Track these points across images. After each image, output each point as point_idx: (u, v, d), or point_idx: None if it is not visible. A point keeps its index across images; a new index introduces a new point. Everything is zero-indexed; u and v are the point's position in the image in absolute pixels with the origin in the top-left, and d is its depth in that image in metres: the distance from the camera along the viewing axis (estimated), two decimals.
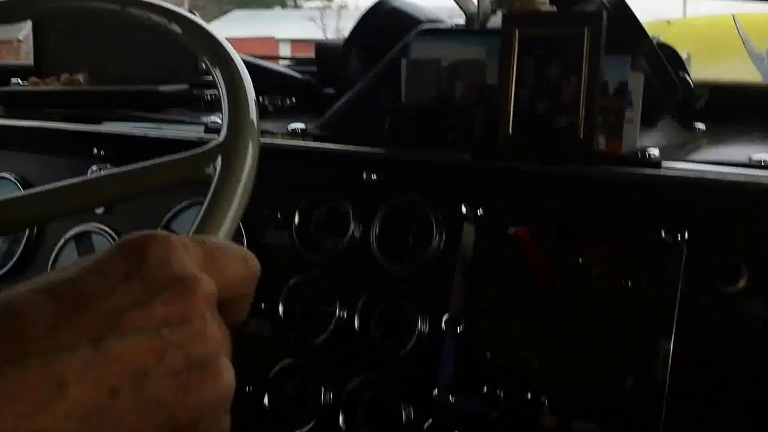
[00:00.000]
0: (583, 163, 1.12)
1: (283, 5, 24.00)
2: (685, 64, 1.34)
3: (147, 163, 0.84)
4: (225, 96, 0.84)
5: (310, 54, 1.67)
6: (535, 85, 1.15)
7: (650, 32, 1.27)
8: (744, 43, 2.70)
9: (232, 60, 0.87)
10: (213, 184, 0.75)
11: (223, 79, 0.85)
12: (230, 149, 0.79)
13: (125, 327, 0.44)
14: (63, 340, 0.42)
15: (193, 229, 0.71)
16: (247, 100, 0.84)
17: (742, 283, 0.97)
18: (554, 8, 1.30)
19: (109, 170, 0.85)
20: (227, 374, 0.48)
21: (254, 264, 0.54)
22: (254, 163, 0.79)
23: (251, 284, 0.54)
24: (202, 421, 0.47)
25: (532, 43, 1.16)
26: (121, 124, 1.47)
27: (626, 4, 1.23)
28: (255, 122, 0.82)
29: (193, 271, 0.47)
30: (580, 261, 1.07)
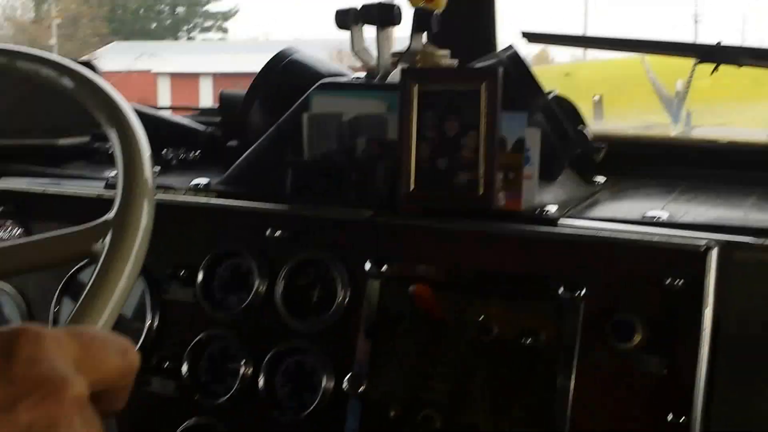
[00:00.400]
0: (484, 219, 1.13)
1: (176, 37, 23.67)
2: (597, 106, 1.37)
3: (35, 238, 0.81)
4: (120, 161, 0.81)
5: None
6: (435, 141, 1.16)
7: (559, 76, 1.29)
8: (653, 86, 2.78)
9: (126, 120, 0.83)
10: (97, 266, 0.73)
11: (118, 141, 0.82)
12: (121, 225, 0.76)
13: None
14: None
15: (71, 315, 0.69)
16: (142, 164, 0.81)
17: (636, 340, 0.99)
18: (455, 62, 1.32)
19: None
20: None
21: (133, 356, 0.52)
22: (146, 237, 0.77)
23: (129, 376, 0.52)
24: None
25: (432, 98, 1.17)
26: (20, 179, 1.43)
27: (523, 60, 1.25)
28: (150, 185, 0.79)
29: (64, 371, 0.45)
30: (482, 318, 1.08)
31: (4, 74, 0.95)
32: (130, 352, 0.52)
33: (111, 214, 0.77)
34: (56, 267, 1.21)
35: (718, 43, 1.35)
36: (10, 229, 1.42)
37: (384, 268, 1.15)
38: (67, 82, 0.88)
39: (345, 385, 1.11)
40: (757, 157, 1.37)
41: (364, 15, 1.26)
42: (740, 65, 1.33)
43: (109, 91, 0.86)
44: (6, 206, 1.42)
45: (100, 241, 0.76)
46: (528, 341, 1.05)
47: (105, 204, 1.30)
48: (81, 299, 0.70)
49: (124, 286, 0.72)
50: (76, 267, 1.34)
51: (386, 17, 1.25)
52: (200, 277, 1.27)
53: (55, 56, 0.91)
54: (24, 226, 1.42)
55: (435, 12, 1.29)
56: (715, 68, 1.34)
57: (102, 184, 1.37)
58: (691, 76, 2.26)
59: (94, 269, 0.73)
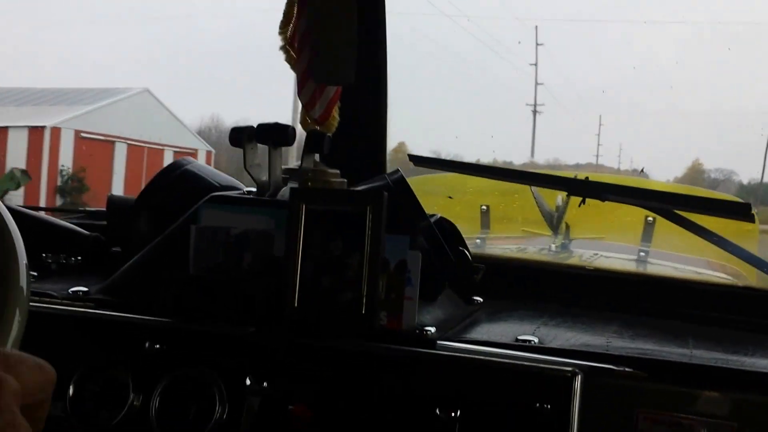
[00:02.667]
0: (365, 338, 1.15)
1: None
2: (485, 216, 1.43)
3: None
4: None
5: None
6: (320, 259, 1.19)
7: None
8: (536, 200, 2.91)
9: (9, 237, 0.82)
10: None
11: None
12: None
13: None
14: None
15: None
16: (17, 272, 0.79)
17: None
18: (345, 182, 1.36)
19: None
20: None
21: (50, 370, 0.56)
22: (16, 348, 0.75)
23: (49, 389, 0.56)
24: None
25: (319, 218, 1.20)
26: None
27: (407, 184, 1.31)
28: (25, 295, 0.78)
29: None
30: None
31: None
32: (46, 366, 0.56)
33: None
34: None
35: (586, 178, 1.45)
36: None
37: (264, 384, 1.15)
38: None
39: None
40: (620, 285, 1.46)
41: (259, 135, 1.29)
42: (603, 200, 1.44)
43: None
44: None
45: None
46: None
47: None
48: None
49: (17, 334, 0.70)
50: None
51: (280, 138, 1.29)
52: (71, 390, 1.23)
53: None
54: None
55: (327, 135, 1.34)
56: (582, 201, 1.45)
57: None
58: (567, 200, 2.40)
59: None
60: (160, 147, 17.16)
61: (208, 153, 17.31)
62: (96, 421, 1.22)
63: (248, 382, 1.15)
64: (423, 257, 1.19)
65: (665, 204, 1.47)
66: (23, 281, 0.78)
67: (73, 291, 1.30)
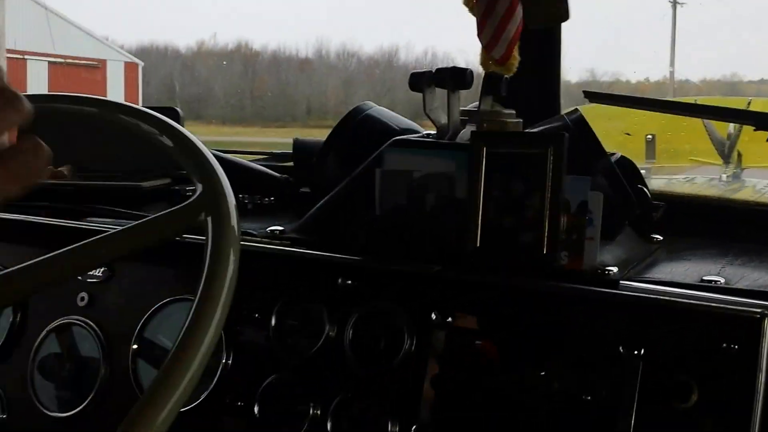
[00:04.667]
0: (547, 278, 1.18)
1: None
2: (650, 145, 1.42)
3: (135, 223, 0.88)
4: (210, 231, 0.85)
5: None
6: (501, 200, 1.22)
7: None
8: (705, 127, 2.81)
9: (211, 169, 0.89)
10: (191, 309, 0.78)
11: (205, 189, 0.87)
12: (211, 273, 0.81)
13: None
14: None
15: (171, 353, 0.75)
16: (228, 213, 0.86)
17: (693, 400, 1.04)
18: (520, 122, 1.38)
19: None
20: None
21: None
22: (233, 284, 0.80)
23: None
24: None
25: (499, 160, 1.23)
26: (105, 220, 1.52)
27: (586, 124, 1.31)
28: (236, 233, 0.84)
29: None
30: (543, 373, 1.13)
31: (108, 126, 1.03)
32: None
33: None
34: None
35: None
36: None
37: (449, 319, 1.21)
38: (146, 128, 0.96)
39: None
40: None
41: (437, 79, 1.34)
42: None
43: (193, 140, 0.93)
44: None
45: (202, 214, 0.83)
46: (588, 398, 1.10)
47: (186, 247, 1.39)
48: (174, 347, 0.76)
49: (214, 332, 0.77)
50: (154, 308, 1.42)
51: (458, 81, 1.32)
52: (273, 320, 1.34)
53: (150, 111, 0.99)
54: (107, 265, 1.51)
55: (504, 76, 1.36)
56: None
57: None
58: (741, 127, 2.30)
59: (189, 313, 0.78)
60: (20, 56, 13.03)
61: (130, 65, 14.35)
62: (296, 349, 1.33)
63: (434, 317, 1.21)
64: (603, 196, 1.21)
65: None
66: (234, 221, 0.85)
67: (270, 230, 1.41)
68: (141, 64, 13.93)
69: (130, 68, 14.04)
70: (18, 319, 1.53)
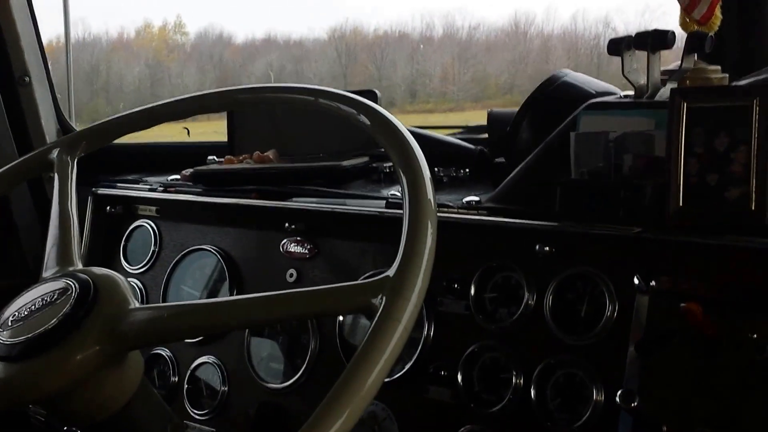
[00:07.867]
0: (755, 235, 1.11)
1: None
2: None
3: (318, 288, 0.87)
4: (405, 184, 0.89)
5: None
6: (704, 157, 1.17)
7: None
8: None
9: (408, 146, 0.92)
10: (383, 295, 0.79)
11: (402, 165, 0.91)
12: (409, 251, 0.83)
13: None
14: None
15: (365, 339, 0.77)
16: (424, 187, 0.88)
17: None
18: (726, 77, 1.31)
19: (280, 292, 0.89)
20: None
21: None
22: (431, 257, 0.82)
23: None
24: None
25: (700, 115, 1.17)
26: (308, 199, 1.59)
27: None
28: (432, 206, 0.86)
29: None
30: (755, 336, 1.07)
31: (309, 110, 1.09)
32: None
33: (390, 272, 0.81)
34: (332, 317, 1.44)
35: None
36: (302, 244, 1.59)
37: (652, 283, 1.17)
38: (346, 110, 1.01)
39: (617, 399, 1.14)
40: None
41: (637, 42, 1.30)
42: None
43: (389, 118, 0.96)
44: (298, 224, 1.59)
45: (379, 296, 0.79)
46: None
47: (385, 222, 1.43)
48: (379, 311, 0.79)
49: (416, 302, 0.78)
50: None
51: (659, 42, 1.28)
52: (473, 290, 1.36)
53: (349, 94, 1.03)
54: (313, 243, 1.58)
55: (709, 34, 1.30)
56: None
57: (382, 203, 1.49)
58: None
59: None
60: None
61: None
62: (496, 318, 1.33)
63: (636, 281, 1.18)
64: None
65: None
66: (430, 195, 0.88)
67: (466, 201, 1.42)
68: None
69: None
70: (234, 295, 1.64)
